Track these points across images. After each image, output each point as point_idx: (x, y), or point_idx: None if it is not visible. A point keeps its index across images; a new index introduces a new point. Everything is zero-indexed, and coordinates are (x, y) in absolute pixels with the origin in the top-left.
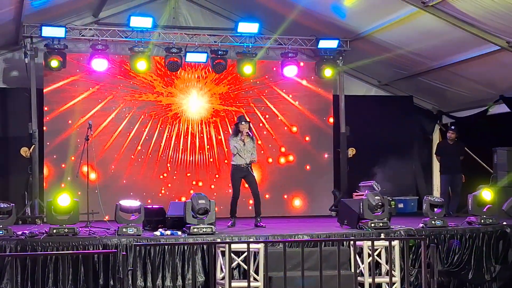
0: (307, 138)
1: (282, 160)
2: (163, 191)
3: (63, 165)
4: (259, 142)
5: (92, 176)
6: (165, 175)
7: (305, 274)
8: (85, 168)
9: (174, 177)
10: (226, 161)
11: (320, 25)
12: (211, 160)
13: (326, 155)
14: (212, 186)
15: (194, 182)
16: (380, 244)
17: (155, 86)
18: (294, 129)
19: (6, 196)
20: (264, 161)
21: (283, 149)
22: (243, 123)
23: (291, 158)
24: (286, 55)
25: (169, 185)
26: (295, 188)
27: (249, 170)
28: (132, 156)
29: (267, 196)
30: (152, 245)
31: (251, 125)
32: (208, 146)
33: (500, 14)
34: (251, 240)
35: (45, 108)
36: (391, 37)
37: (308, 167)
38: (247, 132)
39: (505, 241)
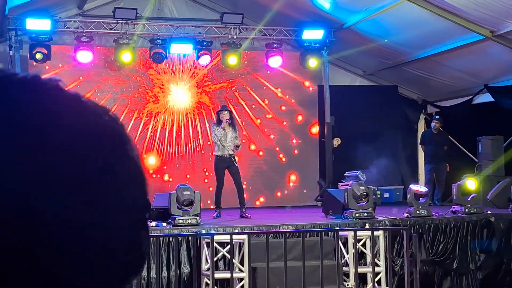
0: (292, 128)
1: (268, 150)
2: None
3: None
4: (244, 132)
5: None
6: (151, 171)
7: (291, 265)
8: None
9: (164, 168)
10: (209, 153)
11: (305, 15)
12: (198, 152)
13: (311, 146)
14: (200, 177)
15: (182, 171)
16: (365, 234)
17: (141, 77)
18: (279, 119)
19: None
20: (249, 151)
21: (268, 140)
22: (224, 111)
23: (277, 148)
24: (270, 46)
25: (154, 176)
26: (281, 178)
27: (232, 161)
28: None
29: (251, 186)
30: None
31: (232, 115)
32: (194, 138)
33: (483, 3)
34: (236, 231)
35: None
36: (375, 27)
37: (293, 157)
38: (227, 120)
39: (489, 230)
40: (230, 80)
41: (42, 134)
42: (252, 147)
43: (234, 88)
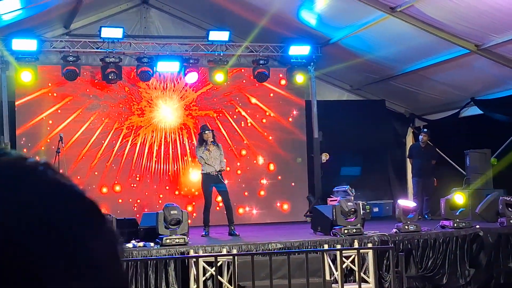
0: (280, 144)
1: (256, 166)
2: (138, 201)
3: None
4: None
5: None
6: (134, 185)
7: (279, 283)
8: None
9: (155, 187)
10: (196, 173)
11: (291, 31)
12: (185, 170)
13: (299, 162)
14: (185, 193)
15: (170, 190)
16: (354, 250)
17: (128, 100)
18: (267, 135)
19: None
20: (237, 168)
21: (256, 156)
22: (206, 132)
23: (264, 164)
24: (257, 62)
25: (146, 193)
26: (270, 195)
27: (219, 178)
28: (106, 164)
29: (239, 202)
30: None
31: (214, 133)
32: (181, 156)
33: (467, 18)
34: (224, 250)
35: (17, 121)
36: (361, 42)
37: (282, 173)
38: (212, 141)
39: (478, 244)
40: (215, 109)
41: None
42: (240, 164)
43: (222, 101)
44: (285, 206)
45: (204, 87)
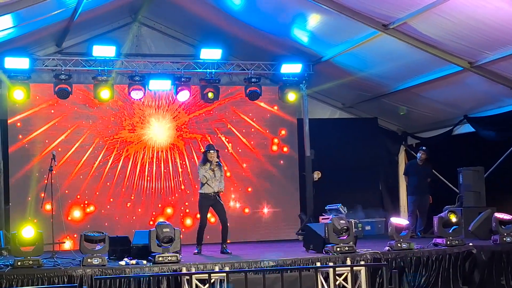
0: (271, 162)
1: (248, 184)
2: (134, 219)
3: (28, 196)
4: (225, 168)
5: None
6: (129, 204)
7: None
8: (49, 199)
9: (147, 199)
10: (188, 191)
11: (283, 49)
12: (180, 187)
13: (292, 180)
14: (181, 214)
15: (162, 208)
16: (347, 268)
17: (120, 114)
18: (259, 153)
19: None
20: (231, 186)
21: (248, 173)
22: (211, 151)
23: (256, 182)
24: (249, 80)
25: (139, 209)
26: (261, 213)
27: (217, 198)
28: (100, 182)
29: (233, 220)
30: (113, 278)
31: (219, 154)
32: (174, 174)
33: (460, 35)
34: (216, 268)
35: (9, 139)
36: (353, 60)
37: (274, 191)
38: (217, 161)
39: (471, 262)
40: (208, 132)
41: None
42: (231, 183)
43: (214, 119)
44: (277, 224)
45: (197, 111)
